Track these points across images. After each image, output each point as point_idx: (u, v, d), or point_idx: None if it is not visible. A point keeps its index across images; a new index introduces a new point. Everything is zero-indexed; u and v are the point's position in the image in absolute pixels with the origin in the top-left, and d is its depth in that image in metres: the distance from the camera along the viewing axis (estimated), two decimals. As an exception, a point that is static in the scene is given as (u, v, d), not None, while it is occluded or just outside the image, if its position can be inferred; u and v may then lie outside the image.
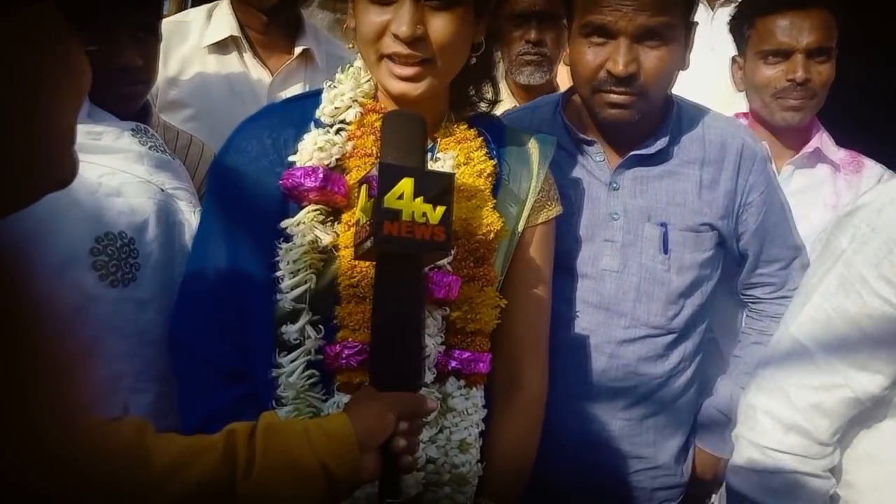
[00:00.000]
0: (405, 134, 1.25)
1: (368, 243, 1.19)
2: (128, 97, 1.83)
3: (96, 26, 0.78)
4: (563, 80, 2.61)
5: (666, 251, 1.81)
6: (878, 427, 1.44)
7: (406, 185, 1.18)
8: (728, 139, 1.87)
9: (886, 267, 1.38)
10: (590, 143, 1.83)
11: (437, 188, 1.21)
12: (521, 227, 1.57)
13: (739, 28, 2.35)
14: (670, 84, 1.78)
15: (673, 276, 1.82)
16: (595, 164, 1.83)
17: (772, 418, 1.46)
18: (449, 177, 1.25)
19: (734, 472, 1.52)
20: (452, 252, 1.45)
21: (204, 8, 2.51)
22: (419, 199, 1.18)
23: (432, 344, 1.44)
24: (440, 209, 1.20)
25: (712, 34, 3.04)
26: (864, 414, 1.43)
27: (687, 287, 1.83)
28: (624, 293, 1.81)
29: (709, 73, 2.94)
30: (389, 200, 1.17)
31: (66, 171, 0.79)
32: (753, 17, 2.29)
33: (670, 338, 1.84)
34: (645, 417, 1.86)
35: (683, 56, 1.77)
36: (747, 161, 1.86)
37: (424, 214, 1.19)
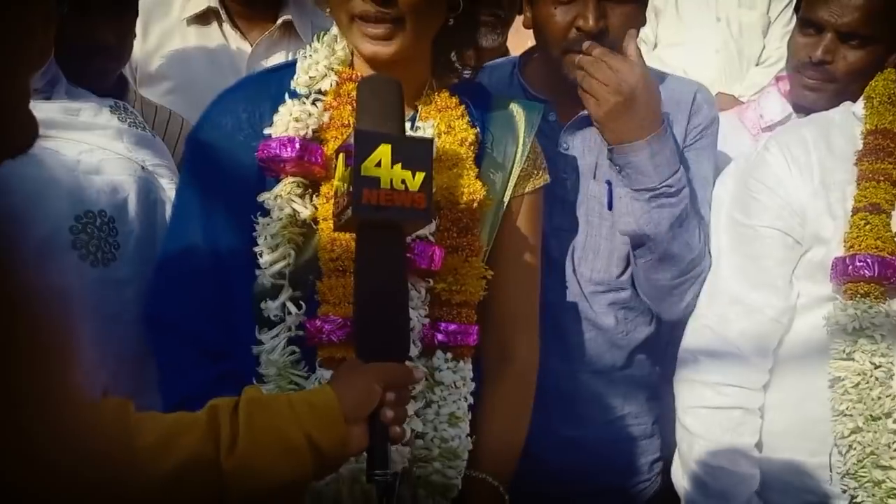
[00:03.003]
0: (381, 99, 1.25)
1: (348, 213, 1.19)
2: (98, 74, 1.84)
3: None
4: (513, 43, 2.60)
5: (611, 208, 1.85)
6: (781, 381, 1.75)
7: (384, 151, 1.17)
8: (678, 94, 1.91)
9: (743, 203, 1.79)
10: (544, 103, 1.83)
11: (416, 154, 1.20)
12: (507, 197, 1.58)
13: None
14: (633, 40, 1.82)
15: (617, 234, 1.86)
16: (548, 124, 1.86)
17: (711, 357, 1.75)
18: (427, 142, 1.26)
19: (691, 414, 1.78)
20: (435, 221, 1.46)
21: None
22: (398, 166, 1.18)
23: (416, 317, 1.44)
24: (420, 175, 1.19)
25: (718, 4, 3.06)
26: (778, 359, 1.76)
27: None
28: (574, 250, 1.87)
29: (712, 44, 2.96)
30: (367, 168, 1.17)
31: (22, 135, 0.77)
32: None
33: (620, 294, 1.90)
34: (612, 370, 1.91)
35: (643, 12, 1.83)
36: (697, 106, 1.90)
37: (404, 181, 1.18)
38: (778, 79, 2.44)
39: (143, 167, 1.70)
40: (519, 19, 2.26)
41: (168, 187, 1.73)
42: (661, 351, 1.98)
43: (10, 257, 0.63)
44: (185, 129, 2.09)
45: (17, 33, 0.73)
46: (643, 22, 1.86)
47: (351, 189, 1.18)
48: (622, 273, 1.89)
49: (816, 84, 2.19)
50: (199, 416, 1.11)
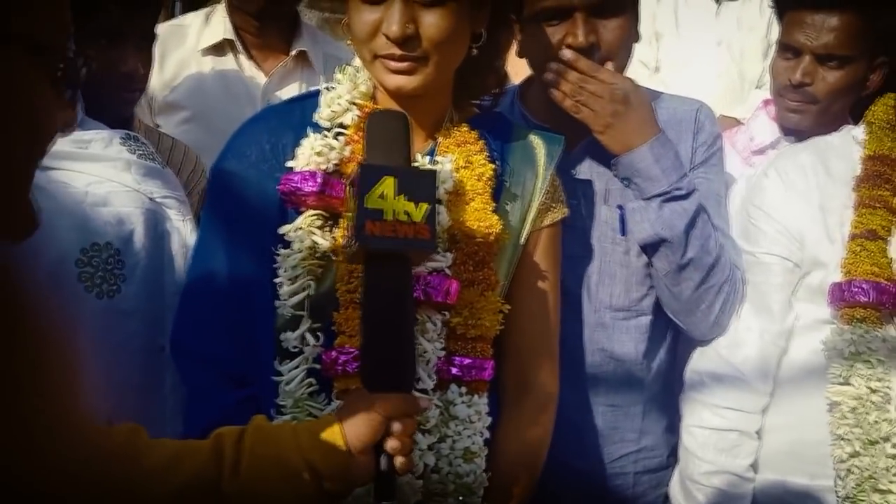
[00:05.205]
0: (388, 133, 1.30)
1: (354, 245, 1.24)
2: (125, 103, 1.95)
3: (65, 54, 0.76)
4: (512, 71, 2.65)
5: (624, 233, 1.88)
6: (781, 403, 1.85)
7: (387, 183, 1.22)
8: (680, 113, 1.94)
9: (743, 230, 1.91)
10: (547, 132, 1.85)
11: (420, 185, 1.25)
12: (525, 231, 1.61)
13: (778, 16, 2.39)
14: (629, 56, 1.86)
15: (633, 259, 1.88)
16: None
17: (714, 380, 1.86)
18: (431, 174, 1.30)
19: (689, 433, 1.89)
20: (452, 255, 1.50)
21: (202, 12, 2.64)
22: (401, 198, 1.23)
23: (432, 349, 1.48)
24: (423, 206, 1.24)
25: (719, 27, 3.12)
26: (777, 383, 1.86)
27: (648, 268, 1.89)
28: (588, 277, 1.89)
29: (713, 67, 3.02)
30: (371, 200, 1.22)
31: (17, 225, 0.76)
32: (783, 9, 2.33)
33: (640, 320, 1.92)
34: (630, 404, 1.93)
35: (636, 26, 1.85)
36: (699, 124, 1.93)
37: (407, 213, 1.23)
38: (766, 102, 2.50)
39: (150, 199, 1.76)
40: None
41: (176, 218, 1.79)
42: (679, 381, 2.00)
43: (18, 282, 0.66)
44: (188, 157, 2.19)
45: (17, 117, 0.73)
46: (637, 38, 1.88)
47: (355, 221, 1.23)
48: (643, 297, 1.91)
49: (799, 106, 2.26)
50: (205, 443, 1.19)
